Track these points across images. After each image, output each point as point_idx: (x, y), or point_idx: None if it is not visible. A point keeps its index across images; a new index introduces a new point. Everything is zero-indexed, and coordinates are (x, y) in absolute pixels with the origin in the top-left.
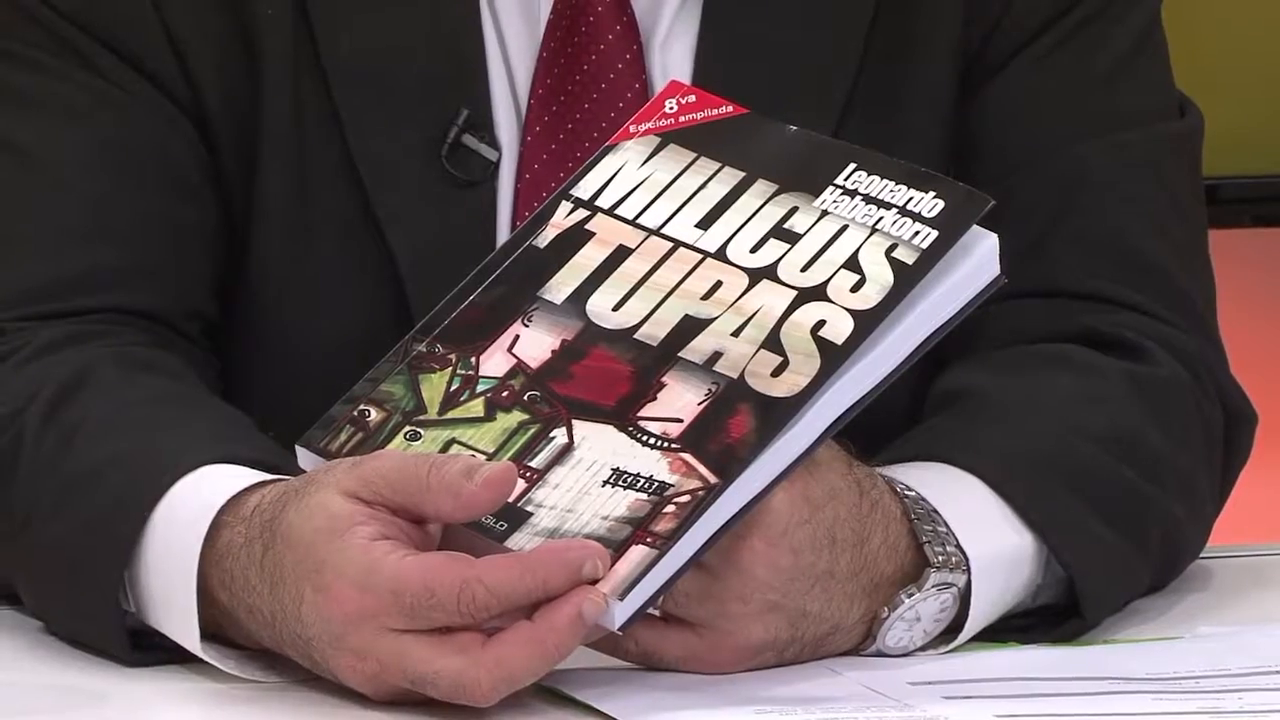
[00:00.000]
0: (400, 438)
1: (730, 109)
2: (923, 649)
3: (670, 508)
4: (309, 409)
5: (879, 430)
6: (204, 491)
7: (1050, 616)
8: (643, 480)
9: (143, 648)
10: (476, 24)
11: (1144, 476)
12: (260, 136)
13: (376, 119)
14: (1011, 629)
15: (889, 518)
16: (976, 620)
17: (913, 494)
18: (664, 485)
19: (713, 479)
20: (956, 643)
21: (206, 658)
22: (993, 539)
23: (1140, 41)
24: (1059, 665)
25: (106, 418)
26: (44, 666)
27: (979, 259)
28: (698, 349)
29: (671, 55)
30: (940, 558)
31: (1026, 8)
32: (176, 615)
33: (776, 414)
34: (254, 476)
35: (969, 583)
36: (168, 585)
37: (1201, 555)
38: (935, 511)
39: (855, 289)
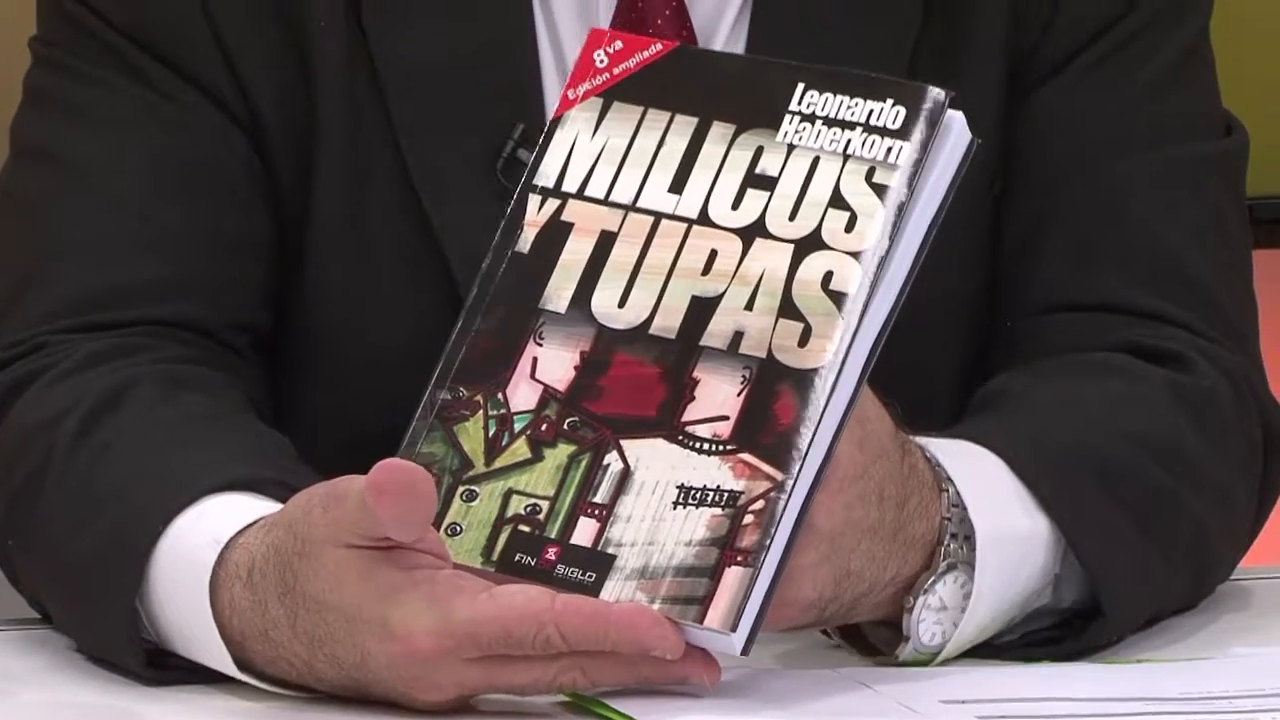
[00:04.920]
0: (457, 500)
1: (660, 46)
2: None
3: (749, 518)
4: (363, 419)
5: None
6: (203, 531)
7: (1079, 624)
8: (711, 493)
9: (161, 666)
10: (532, 36)
11: (1175, 478)
12: (315, 147)
13: (432, 131)
14: (1041, 641)
15: (923, 483)
16: (984, 595)
17: (939, 463)
18: (734, 495)
19: (778, 475)
20: (969, 612)
21: (247, 680)
22: (1001, 515)
23: (1187, 56)
24: (1091, 685)
25: (134, 438)
26: (75, 685)
27: (952, 144)
28: (717, 333)
29: None
30: (950, 526)
31: (1074, 18)
32: (203, 650)
33: (816, 387)
34: (257, 510)
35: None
36: (187, 625)
37: (1235, 576)
38: (950, 480)
39: (849, 229)
